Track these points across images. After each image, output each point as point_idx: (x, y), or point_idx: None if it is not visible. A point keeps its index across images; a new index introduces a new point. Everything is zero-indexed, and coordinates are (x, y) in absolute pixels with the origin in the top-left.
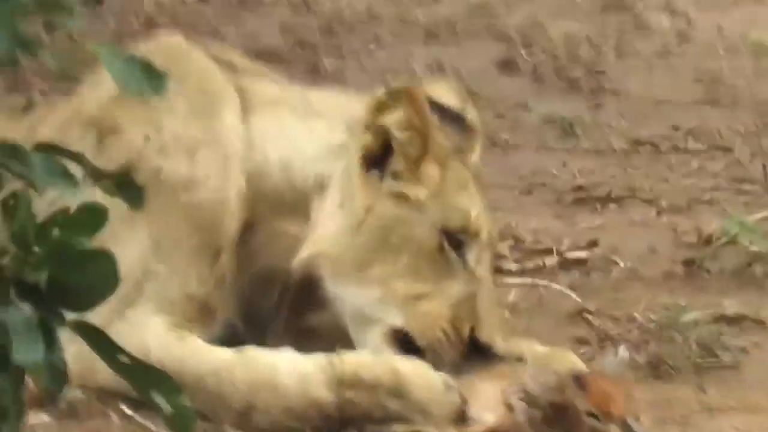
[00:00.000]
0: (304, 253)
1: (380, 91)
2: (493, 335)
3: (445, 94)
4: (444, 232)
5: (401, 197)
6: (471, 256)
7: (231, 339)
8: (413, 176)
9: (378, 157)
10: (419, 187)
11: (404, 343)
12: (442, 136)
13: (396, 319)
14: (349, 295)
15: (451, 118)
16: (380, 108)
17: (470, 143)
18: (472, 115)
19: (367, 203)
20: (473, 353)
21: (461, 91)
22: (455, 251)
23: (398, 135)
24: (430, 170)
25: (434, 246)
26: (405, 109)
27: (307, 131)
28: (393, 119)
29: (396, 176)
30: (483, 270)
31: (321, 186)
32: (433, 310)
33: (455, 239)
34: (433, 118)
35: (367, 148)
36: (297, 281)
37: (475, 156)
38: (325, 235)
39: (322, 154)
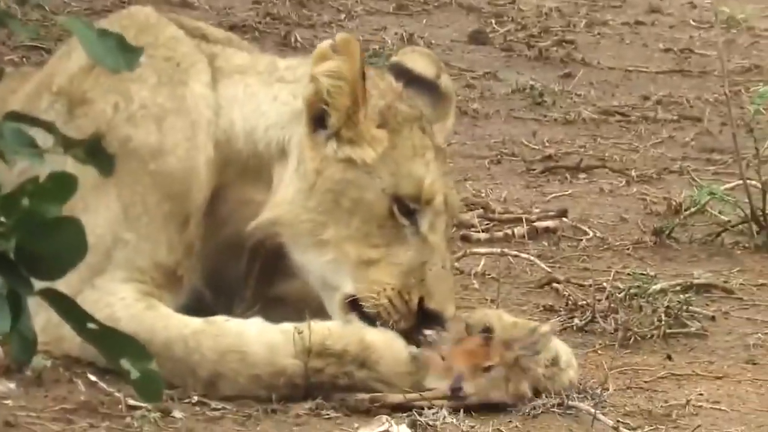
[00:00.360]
0: (262, 217)
1: (324, 42)
2: (444, 303)
3: (420, 61)
4: (395, 198)
5: (349, 161)
6: (424, 223)
7: (199, 307)
8: (354, 134)
9: (324, 117)
10: (366, 150)
11: (356, 308)
12: (404, 103)
13: (347, 286)
14: (308, 262)
15: (425, 85)
16: (320, 58)
17: (444, 110)
18: (446, 82)
19: (315, 166)
20: (425, 321)
21: (436, 59)
22: (407, 218)
23: (326, 83)
24: (378, 134)
25: (384, 212)
26: (337, 59)
27: (271, 97)
28: (324, 68)
29: (338, 136)
30: (436, 237)
31: (282, 151)
32: (381, 278)
33: (406, 206)
34: (390, 79)
35: (308, 102)
36: (265, 249)
37: (449, 122)
38: (282, 200)
39: (284, 120)
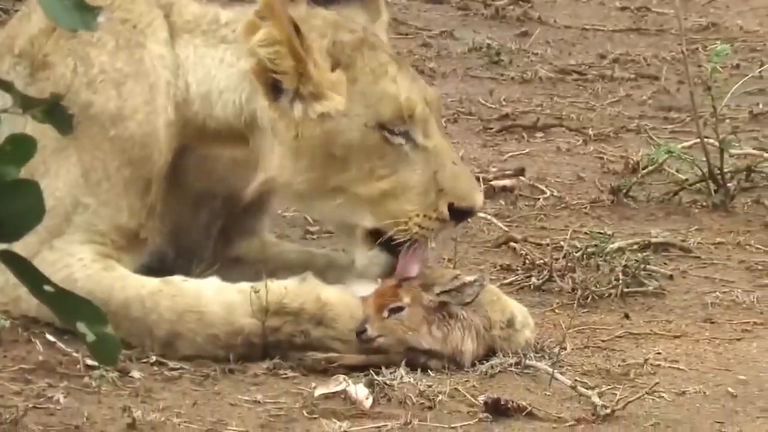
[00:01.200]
0: (257, 180)
1: (251, 12)
2: (470, 197)
3: None
4: (380, 126)
5: (321, 116)
6: (417, 134)
7: (162, 267)
8: (313, 87)
9: (277, 84)
10: (332, 98)
11: (386, 240)
12: (344, 30)
13: (368, 221)
14: (316, 212)
15: None
16: (250, 30)
17: (374, 7)
18: None
19: (292, 133)
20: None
21: None
22: (400, 136)
23: (263, 53)
24: (335, 77)
25: (377, 142)
26: (265, 25)
27: (218, 61)
28: (256, 40)
29: (299, 96)
30: (434, 140)
31: (241, 109)
32: (402, 207)
33: (393, 128)
34: (323, 12)
35: (256, 75)
36: (228, 208)
37: (384, 17)
38: (270, 164)
39: (235, 82)
